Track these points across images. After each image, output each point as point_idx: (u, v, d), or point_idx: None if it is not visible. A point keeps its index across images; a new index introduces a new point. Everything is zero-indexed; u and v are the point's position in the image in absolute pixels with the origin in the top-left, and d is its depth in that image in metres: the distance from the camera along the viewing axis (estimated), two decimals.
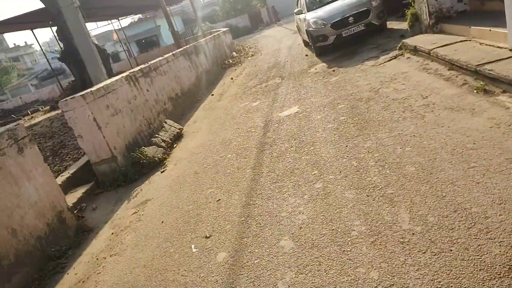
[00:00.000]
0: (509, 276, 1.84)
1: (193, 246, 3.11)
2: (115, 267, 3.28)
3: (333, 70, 7.29)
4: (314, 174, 3.54)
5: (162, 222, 3.75)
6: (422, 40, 6.36)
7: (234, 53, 16.45)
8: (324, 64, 8.16)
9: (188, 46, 11.35)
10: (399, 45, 6.95)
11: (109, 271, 3.27)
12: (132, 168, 5.27)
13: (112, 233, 3.97)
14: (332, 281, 2.20)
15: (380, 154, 3.47)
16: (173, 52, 9.49)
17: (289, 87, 7.26)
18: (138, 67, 7.25)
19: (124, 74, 6.49)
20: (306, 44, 11.34)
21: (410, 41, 6.60)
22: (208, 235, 3.18)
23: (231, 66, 13.94)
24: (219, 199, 3.74)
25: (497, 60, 4.26)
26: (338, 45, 8.68)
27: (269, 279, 2.41)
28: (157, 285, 2.81)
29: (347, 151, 3.76)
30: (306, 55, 10.00)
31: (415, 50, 6.31)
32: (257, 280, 2.44)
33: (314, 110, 5.40)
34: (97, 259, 3.55)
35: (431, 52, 5.61)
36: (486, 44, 5.01)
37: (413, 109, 4.20)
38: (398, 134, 3.74)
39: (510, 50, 4.43)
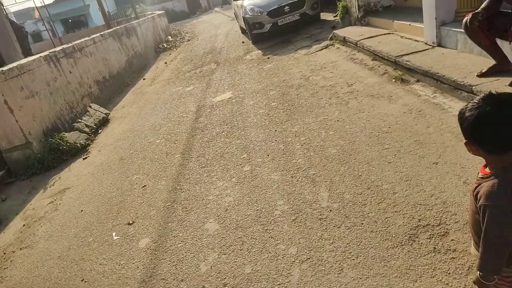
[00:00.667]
0: (409, 244, 2.01)
1: (114, 234, 2.97)
2: (25, 261, 3.03)
3: (268, 58, 7.36)
4: (243, 157, 3.56)
5: (82, 210, 3.53)
6: (351, 32, 6.66)
7: (170, 37, 15.93)
8: (260, 51, 8.21)
9: (118, 27, 10.73)
10: (330, 36, 7.22)
11: (18, 265, 3.01)
12: (50, 155, 4.88)
13: (24, 225, 3.65)
14: (253, 259, 2.23)
15: (306, 138, 3.59)
16: (102, 33, 8.91)
17: (224, 73, 7.21)
18: (60, 47, 6.70)
19: (43, 54, 5.96)
20: (243, 31, 11.32)
21: (340, 32, 6.88)
22: (131, 222, 3.06)
23: (165, 50, 13.49)
24: (145, 185, 3.61)
25: (413, 52, 4.60)
26: (273, 33, 8.79)
27: (192, 262, 2.38)
28: (72, 276, 2.64)
29: (276, 135, 3.84)
30: (243, 42, 9.99)
31: (344, 41, 6.60)
32: (180, 263, 2.40)
33: (247, 96, 5.42)
34: (4, 253, 3.25)
35: (358, 43, 5.90)
36: (406, 38, 5.39)
37: (339, 96, 4.39)
38: (324, 119, 3.89)
39: (426, 43, 4.80)
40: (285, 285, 1.98)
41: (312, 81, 5.21)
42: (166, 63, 10.71)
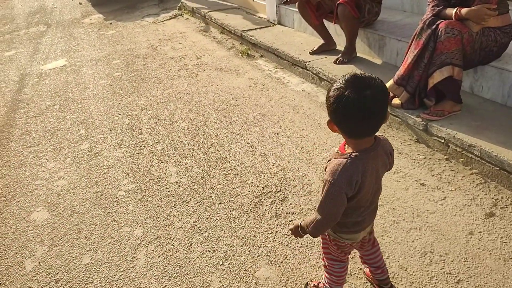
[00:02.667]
0: (254, 212, 2.10)
1: None
2: None
3: (110, 23, 6.65)
4: (81, 134, 3.13)
5: None
6: (200, 3, 6.54)
7: None
8: (101, 15, 7.34)
9: None
10: (179, 6, 6.94)
11: None
12: None
13: None
14: (92, 247, 1.99)
15: (153, 111, 3.38)
16: None
17: (56, 37, 6.19)
18: None
19: None
20: None
21: (189, 2, 6.68)
22: None
23: None
24: None
25: (257, 28, 4.80)
26: None
27: (13, 260, 1.97)
28: None
29: (120, 109, 3.50)
30: (80, 3, 8.75)
31: (193, 12, 6.44)
32: None
33: (85, 64, 4.78)
34: None
35: (207, 15, 5.84)
36: (251, 13, 5.58)
37: (188, 68, 4.28)
38: (173, 91, 3.74)
39: (268, 20, 5.07)
40: (129, 271, 1.82)
41: (160, 52, 4.93)
42: None
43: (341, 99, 1.03)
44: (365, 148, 1.13)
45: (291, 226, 1.35)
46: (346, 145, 1.18)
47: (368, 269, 1.60)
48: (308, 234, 1.26)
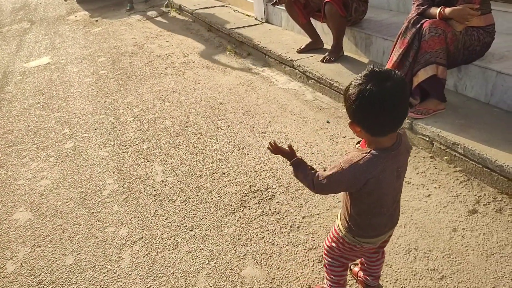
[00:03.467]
0: (240, 210, 2.09)
1: None
2: None
3: (96, 20, 6.55)
4: (65, 133, 3.08)
5: None
6: (187, 0, 6.49)
7: None
8: (86, 12, 7.23)
9: None
10: (166, 3, 6.88)
11: None
12: None
13: None
14: (76, 247, 1.96)
15: (139, 110, 3.34)
16: None
17: (40, 34, 6.08)
18: None
19: None
20: None
21: (176, 0, 6.63)
22: None
23: None
24: None
25: (245, 26, 4.78)
26: None
27: None
28: None
29: (105, 107, 3.45)
30: (65, 0, 8.60)
31: (180, 9, 6.39)
32: None
33: (70, 62, 4.70)
34: None
35: (194, 13, 5.80)
36: (238, 12, 5.56)
37: (175, 66, 4.24)
38: (159, 89, 3.70)
39: (255, 19, 5.05)
40: (114, 271, 1.80)
41: (147, 49, 4.88)
42: None
43: (364, 93, 1.00)
44: (386, 147, 1.10)
45: (279, 146, 1.29)
46: (367, 145, 1.14)
47: (360, 272, 1.58)
48: (292, 166, 1.25)
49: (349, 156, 1.12)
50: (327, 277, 1.44)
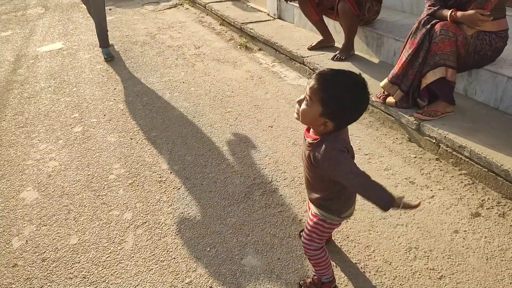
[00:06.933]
0: (244, 201, 2.11)
1: None
2: None
3: (110, 9, 6.58)
4: (74, 117, 3.12)
5: None
6: None
7: None
8: None
9: None
10: None
11: None
12: None
13: None
14: (81, 228, 1.99)
15: (149, 98, 3.37)
16: None
17: (54, 20, 6.13)
18: None
19: None
20: None
21: None
22: None
23: None
24: None
25: (257, 22, 4.79)
26: None
27: (1, 237, 1.97)
28: None
29: (115, 94, 3.48)
30: None
31: (193, 2, 6.41)
32: None
33: (82, 48, 4.74)
34: None
35: (207, 6, 5.81)
36: (251, 7, 5.57)
37: (186, 58, 4.27)
38: (169, 79, 3.73)
39: (268, 14, 5.06)
40: (117, 253, 1.83)
41: (158, 40, 4.91)
42: None
43: (361, 97, 1.19)
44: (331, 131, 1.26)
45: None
46: (322, 135, 1.26)
47: None
48: (386, 206, 1.23)
49: (328, 144, 1.22)
50: (316, 268, 1.50)
